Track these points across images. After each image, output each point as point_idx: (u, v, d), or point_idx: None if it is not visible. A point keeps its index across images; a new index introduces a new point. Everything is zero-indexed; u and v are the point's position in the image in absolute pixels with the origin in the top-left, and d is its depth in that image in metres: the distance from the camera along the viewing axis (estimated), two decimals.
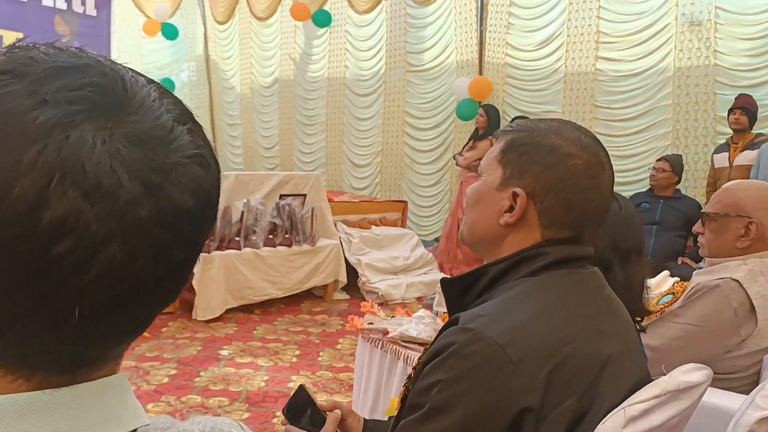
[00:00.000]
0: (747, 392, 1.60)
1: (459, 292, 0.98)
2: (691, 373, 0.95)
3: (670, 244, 4.62)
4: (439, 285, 2.42)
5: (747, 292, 1.61)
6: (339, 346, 4.01)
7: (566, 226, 0.93)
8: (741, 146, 4.64)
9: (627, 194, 5.11)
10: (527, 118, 5.86)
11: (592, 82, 5.89)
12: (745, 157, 4.58)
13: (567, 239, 0.93)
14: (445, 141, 7.28)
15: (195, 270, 0.57)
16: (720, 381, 1.63)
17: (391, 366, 2.11)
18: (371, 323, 2.18)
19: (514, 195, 0.94)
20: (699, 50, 5.27)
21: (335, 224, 5.46)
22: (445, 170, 7.29)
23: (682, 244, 4.67)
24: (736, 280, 1.63)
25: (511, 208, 0.94)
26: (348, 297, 5.32)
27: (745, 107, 4.64)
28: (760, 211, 1.71)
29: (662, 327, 1.69)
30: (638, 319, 0.98)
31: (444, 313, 2.35)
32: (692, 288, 1.71)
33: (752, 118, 4.65)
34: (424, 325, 2.08)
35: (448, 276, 2.42)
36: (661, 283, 3.36)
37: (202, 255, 2.56)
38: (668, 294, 1.97)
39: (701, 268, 3.67)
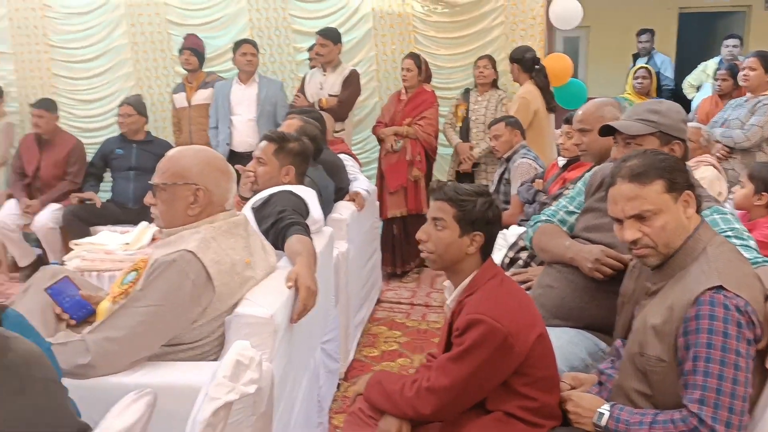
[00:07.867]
0: (216, 356, 1.72)
1: None
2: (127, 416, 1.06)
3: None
4: None
5: (202, 262, 1.65)
6: None
7: None
8: (196, 86, 4.92)
9: (98, 141, 4.99)
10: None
11: (42, 20, 5.39)
12: (201, 96, 4.90)
13: None
14: None
15: None
16: (191, 350, 1.70)
17: None
18: None
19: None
20: None
21: None
22: None
23: None
24: (191, 251, 1.64)
25: None
26: None
27: (193, 48, 4.90)
28: (204, 176, 1.75)
29: (124, 315, 1.61)
30: None
31: None
32: (151, 265, 1.67)
33: (201, 58, 4.95)
34: None
35: None
36: (140, 237, 3.37)
37: None
38: (132, 271, 1.89)
39: None
